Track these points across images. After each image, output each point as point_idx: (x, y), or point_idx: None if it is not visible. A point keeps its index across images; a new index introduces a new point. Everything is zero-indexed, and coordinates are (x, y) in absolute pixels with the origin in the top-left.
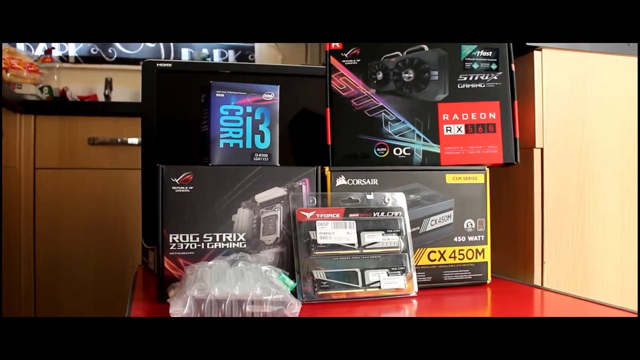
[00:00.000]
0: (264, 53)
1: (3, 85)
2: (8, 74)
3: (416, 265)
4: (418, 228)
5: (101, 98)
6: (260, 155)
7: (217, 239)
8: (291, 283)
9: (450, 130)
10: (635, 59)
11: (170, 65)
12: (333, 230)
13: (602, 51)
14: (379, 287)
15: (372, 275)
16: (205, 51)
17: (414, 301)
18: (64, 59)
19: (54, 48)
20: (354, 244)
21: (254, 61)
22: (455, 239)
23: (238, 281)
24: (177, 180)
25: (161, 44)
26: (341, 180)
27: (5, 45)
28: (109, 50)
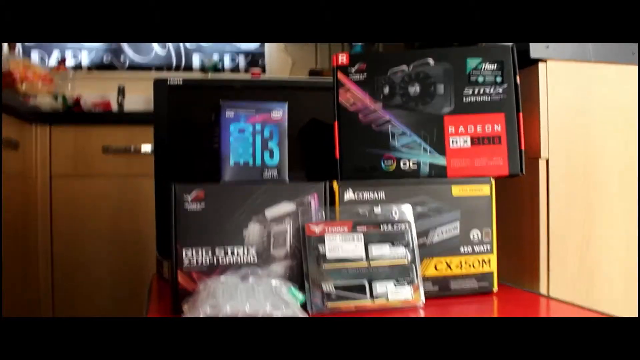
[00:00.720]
0: (274, 58)
1: (19, 97)
2: (23, 86)
3: (423, 276)
4: (425, 239)
5: (114, 105)
6: (269, 171)
7: (230, 254)
8: (301, 297)
9: (456, 142)
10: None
11: (180, 82)
12: (341, 244)
13: (606, 61)
14: (387, 298)
15: (379, 287)
16: (216, 57)
17: (421, 311)
18: (77, 67)
19: (66, 58)
20: (361, 257)
21: (264, 66)
22: (462, 249)
23: (249, 297)
24: (189, 198)
25: (172, 51)
26: (349, 194)
27: (20, 57)
28: (121, 58)
